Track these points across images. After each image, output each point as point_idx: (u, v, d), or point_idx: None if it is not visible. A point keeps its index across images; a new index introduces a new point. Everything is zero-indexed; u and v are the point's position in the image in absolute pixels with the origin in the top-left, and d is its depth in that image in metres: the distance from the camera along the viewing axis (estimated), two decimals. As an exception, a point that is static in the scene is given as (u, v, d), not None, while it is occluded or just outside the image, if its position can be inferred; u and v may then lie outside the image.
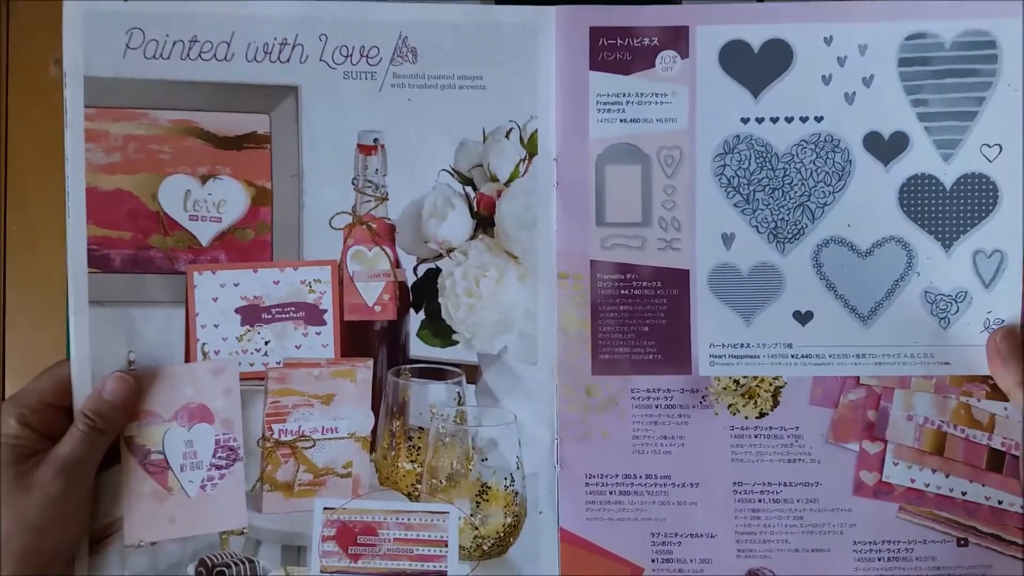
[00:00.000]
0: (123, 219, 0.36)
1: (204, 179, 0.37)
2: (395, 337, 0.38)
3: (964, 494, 0.36)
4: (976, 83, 0.36)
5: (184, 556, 0.36)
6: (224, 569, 0.35)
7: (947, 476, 0.36)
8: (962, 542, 0.35)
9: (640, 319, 0.36)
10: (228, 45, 0.36)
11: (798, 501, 0.36)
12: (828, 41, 0.36)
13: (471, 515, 0.36)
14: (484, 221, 0.38)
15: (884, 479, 0.36)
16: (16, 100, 0.41)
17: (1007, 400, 0.36)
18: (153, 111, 0.36)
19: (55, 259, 0.39)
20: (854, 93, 0.36)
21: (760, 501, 0.36)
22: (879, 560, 0.35)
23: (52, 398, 0.35)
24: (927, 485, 0.36)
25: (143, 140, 0.36)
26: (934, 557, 0.35)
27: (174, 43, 0.36)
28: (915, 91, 0.36)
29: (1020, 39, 0.36)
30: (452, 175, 0.38)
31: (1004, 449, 0.36)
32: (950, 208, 0.36)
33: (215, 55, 0.36)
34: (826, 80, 0.36)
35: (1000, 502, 0.35)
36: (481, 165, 0.38)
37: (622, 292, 0.37)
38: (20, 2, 0.40)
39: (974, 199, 0.36)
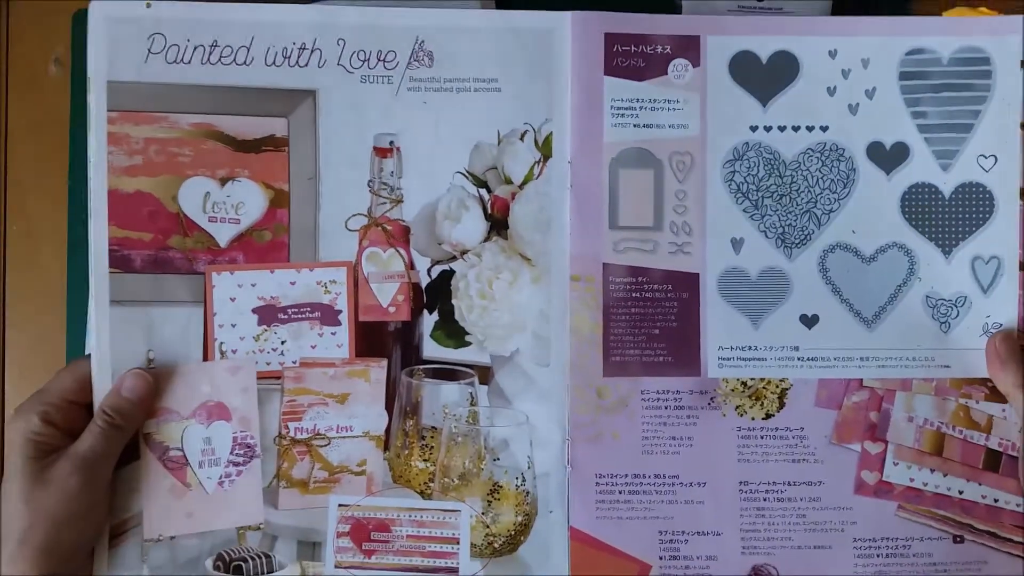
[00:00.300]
0: (144, 220, 0.40)
1: (223, 181, 0.41)
2: (409, 338, 0.42)
3: (961, 493, 0.41)
4: (972, 97, 0.41)
5: (202, 550, 0.40)
6: (241, 563, 0.40)
7: (945, 475, 0.41)
8: (958, 539, 0.40)
9: (651, 322, 0.41)
10: (248, 50, 0.40)
11: (801, 500, 0.40)
12: (833, 54, 0.41)
13: (483, 513, 0.41)
14: (498, 223, 0.43)
15: (884, 478, 0.40)
16: (16, 100, 0.45)
17: (1005, 402, 0.41)
18: (174, 114, 0.40)
19: (55, 259, 0.43)
20: (857, 104, 0.41)
21: (765, 500, 0.40)
22: (877, 556, 0.40)
23: (74, 395, 0.39)
24: (925, 484, 0.41)
25: (164, 143, 0.41)
26: (930, 553, 0.40)
27: (195, 48, 0.40)
28: (915, 104, 0.41)
29: (1012, 56, 0.41)
30: (467, 177, 0.42)
31: (1001, 449, 0.41)
32: (949, 216, 0.41)
33: (235, 59, 0.40)
34: (831, 91, 0.41)
35: (996, 500, 0.40)
36: (495, 167, 0.43)
37: (634, 295, 0.41)
38: (20, 1, 0.44)
39: (972, 207, 0.41)
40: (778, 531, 0.40)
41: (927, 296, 0.41)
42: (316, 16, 0.41)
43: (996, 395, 0.41)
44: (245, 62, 0.40)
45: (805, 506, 0.40)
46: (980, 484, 0.40)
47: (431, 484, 0.41)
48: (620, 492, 0.40)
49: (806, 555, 0.40)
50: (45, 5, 0.44)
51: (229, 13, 0.40)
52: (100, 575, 0.39)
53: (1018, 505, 0.40)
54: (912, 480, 0.40)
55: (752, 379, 0.41)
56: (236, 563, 0.40)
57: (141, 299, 0.40)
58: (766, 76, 0.41)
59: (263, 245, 0.41)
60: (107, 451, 0.38)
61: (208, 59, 0.40)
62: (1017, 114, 0.41)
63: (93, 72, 0.40)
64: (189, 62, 0.40)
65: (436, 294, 0.42)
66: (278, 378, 0.41)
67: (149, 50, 0.40)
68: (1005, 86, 0.41)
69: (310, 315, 0.41)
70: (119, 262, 0.40)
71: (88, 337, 0.40)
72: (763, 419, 0.40)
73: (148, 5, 0.40)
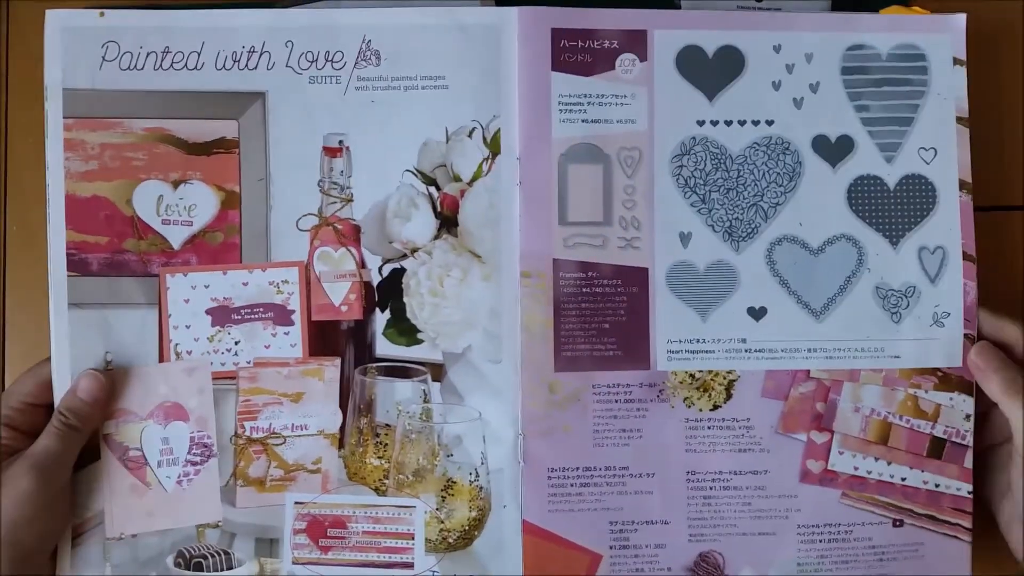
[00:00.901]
0: (100, 224, 0.50)
1: (176, 184, 0.51)
2: (361, 336, 0.52)
3: (904, 480, 0.50)
4: (910, 91, 0.51)
5: (163, 548, 0.50)
6: (201, 560, 0.50)
7: (889, 463, 0.50)
8: (897, 523, 0.50)
9: (601, 317, 0.50)
10: (199, 55, 0.50)
11: (747, 488, 0.50)
12: (777, 49, 0.50)
13: (437, 509, 0.50)
14: (448, 221, 0.52)
15: (829, 467, 0.50)
16: (16, 100, 0.54)
17: (953, 391, 0.50)
18: (128, 120, 0.50)
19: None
20: (802, 98, 0.51)
21: (711, 489, 0.50)
22: (820, 542, 0.50)
23: (34, 398, 0.49)
24: (869, 472, 0.50)
25: (119, 148, 0.50)
26: (870, 537, 0.50)
27: (147, 54, 0.50)
28: (857, 97, 0.51)
29: (945, 53, 0.50)
30: (416, 175, 0.52)
31: (946, 437, 0.50)
32: (895, 207, 0.51)
33: (186, 65, 0.50)
34: (776, 86, 0.50)
35: (937, 486, 0.50)
36: (444, 165, 0.52)
37: (584, 290, 0.50)
38: (20, 3, 0.53)
39: (916, 198, 0.51)
40: (724, 519, 0.50)
41: (877, 287, 0.50)
42: (265, 19, 0.50)
43: (945, 384, 0.50)
44: (196, 67, 0.50)
45: (751, 494, 0.50)
46: (923, 471, 0.50)
47: (386, 481, 0.51)
48: (572, 485, 0.50)
49: (751, 541, 0.50)
50: (45, 5, 0.52)
51: (180, 20, 0.50)
52: (64, 574, 0.49)
53: (958, 489, 0.50)
54: (856, 468, 0.50)
55: (700, 371, 0.50)
56: (196, 560, 0.50)
57: (98, 302, 0.50)
58: (712, 70, 0.51)
59: (215, 246, 0.51)
60: (62, 451, 0.47)
61: (160, 65, 0.50)
62: (952, 108, 0.50)
63: (50, 81, 0.49)
64: (142, 68, 0.50)
65: (387, 292, 0.52)
66: (233, 378, 0.51)
67: (103, 58, 0.50)
68: (940, 82, 0.50)
69: (263, 315, 0.51)
70: (76, 266, 0.50)
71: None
72: (711, 410, 0.50)
73: (101, 14, 0.50)
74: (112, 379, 0.49)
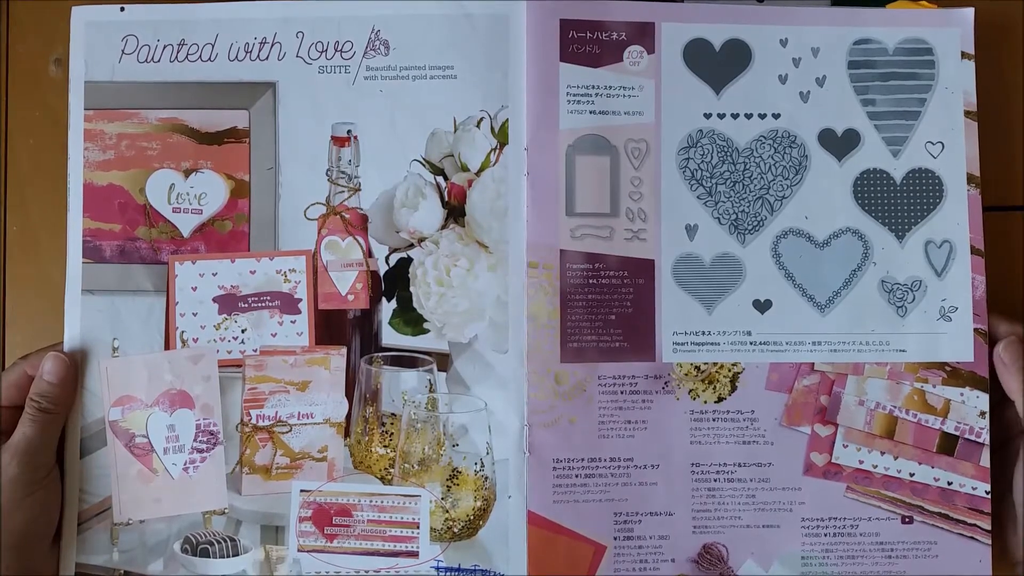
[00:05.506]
0: (114, 212, 0.57)
1: (187, 173, 0.58)
2: (368, 325, 0.58)
3: (912, 475, 0.56)
4: (917, 85, 0.57)
5: (170, 533, 0.56)
6: (208, 547, 0.56)
7: (896, 458, 0.56)
8: (906, 520, 0.56)
9: (607, 308, 0.56)
10: (212, 46, 0.57)
11: (751, 480, 0.56)
12: (784, 43, 0.57)
13: (442, 499, 0.56)
14: (455, 211, 0.58)
15: (833, 460, 0.56)
16: (16, 100, 0.61)
17: (964, 386, 0.56)
18: (144, 110, 0.57)
19: (55, 258, 0.59)
20: (808, 92, 0.57)
21: (716, 481, 0.56)
22: (825, 536, 0.56)
23: (10, 401, 0.55)
24: (875, 466, 0.56)
25: (134, 138, 0.58)
26: (877, 533, 0.56)
27: (164, 47, 0.57)
28: (864, 92, 0.57)
29: (953, 47, 0.57)
30: (423, 165, 0.58)
31: (958, 433, 0.55)
32: (901, 201, 0.57)
33: (200, 56, 0.57)
34: (782, 79, 0.57)
35: (950, 483, 0.56)
36: (452, 155, 0.58)
37: (590, 281, 0.56)
38: (19, 2, 0.61)
39: (922, 192, 0.57)
40: (728, 511, 0.56)
41: (883, 280, 0.56)
42: (277, 11, 0.58)
43: (955, 379, 0.56)
44: (210, 58, 0.57)
45: (755, 487, 0.56)
46: (933, 467, 0.56)
47: (391, 470, 0.57)
48: (576, 476, 0.55)
49: (755, 533, 0.56)
50: (45, 5, 0.60)
51: (196, 12, 0.57)
52: (69, 560, 0.55)
53: (974, 488, 0.56)
54: (862, 462, 0.56)
55: (705, 363, 0.56)
56: (203, 546, 0.56)
57: (109, 288, 0.57)
58: (719, 64, 0.57)
59: (224, 235, 0.57)
60: (39, 436, 0.54)
61: (176, 57, 0.57)
62: (960, 102, 0.56)
63: (73, 74, 0.57)
64: (159, 61, 0.57)
65: (394, 282, 0.58)
66: (239, 366, 0.57)
67: (123, 51, 0.57)
68: (948, 75, 0.57)
69: (270, 304, 0.57)
70: (91, 252, 0.57)
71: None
72: (715, 402, 0.56)
73: (122, 9, 0.57)
74: (75, 360, 0.56)
